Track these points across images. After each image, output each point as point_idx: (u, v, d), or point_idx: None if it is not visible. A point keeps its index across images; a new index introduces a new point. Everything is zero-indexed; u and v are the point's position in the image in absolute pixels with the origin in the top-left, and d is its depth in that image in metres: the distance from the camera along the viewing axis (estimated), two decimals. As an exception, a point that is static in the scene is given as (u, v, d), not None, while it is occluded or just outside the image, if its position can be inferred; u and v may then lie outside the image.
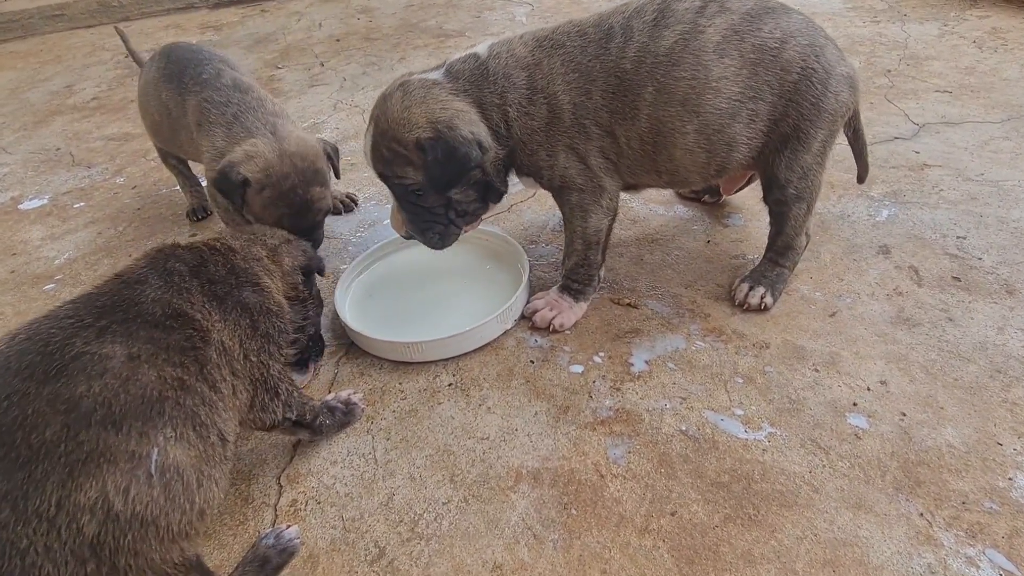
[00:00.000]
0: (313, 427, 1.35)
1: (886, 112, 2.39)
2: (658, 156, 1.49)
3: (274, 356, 1.24)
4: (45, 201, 2.62)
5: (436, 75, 1.49)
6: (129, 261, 1.22)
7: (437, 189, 1.47)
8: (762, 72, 1.39)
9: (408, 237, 1.59)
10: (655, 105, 1.42)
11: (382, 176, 1.50)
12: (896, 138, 2.23)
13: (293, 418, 1.28)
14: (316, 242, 1.84)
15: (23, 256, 2.26)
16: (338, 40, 4.05)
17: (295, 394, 1.29)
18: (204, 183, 2.37)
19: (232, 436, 1.10)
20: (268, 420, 1.24)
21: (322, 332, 1.60)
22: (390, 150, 1.44)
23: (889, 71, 2.68)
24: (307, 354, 1.52)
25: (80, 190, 2.66)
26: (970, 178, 1.97)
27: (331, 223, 2.21)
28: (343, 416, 1.42)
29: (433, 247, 1.59)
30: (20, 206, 2.60)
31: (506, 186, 1.60)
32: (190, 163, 2.30)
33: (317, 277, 1.53)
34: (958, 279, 1.62)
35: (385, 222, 2.18)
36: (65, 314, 1.02)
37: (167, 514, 0.92)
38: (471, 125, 1.43)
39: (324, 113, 3.04)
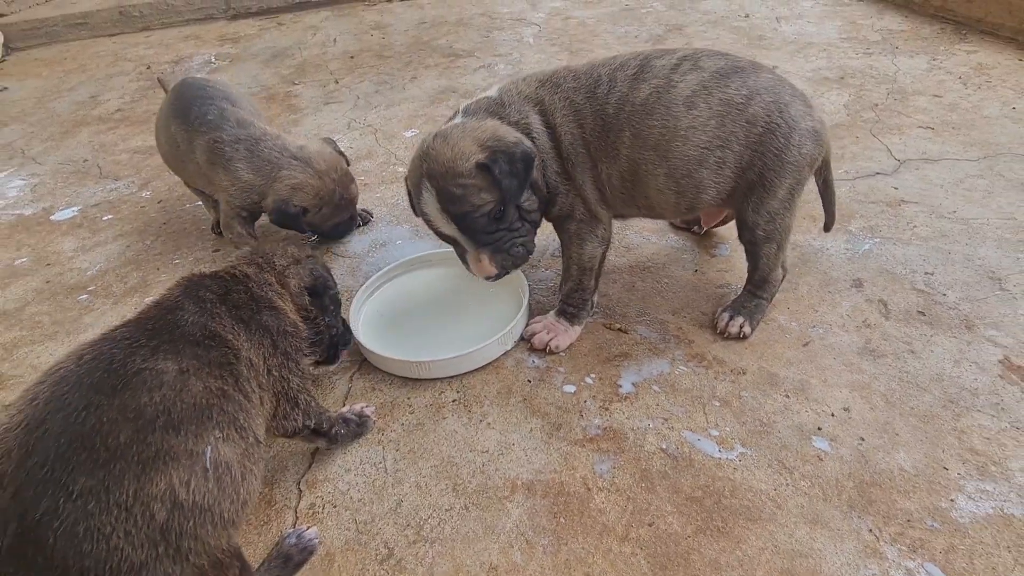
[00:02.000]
0: (329, 436, 1.50)
1: (870, 147, 2.53)
2: (635, 192, 1.65)
3: (293, 371, 1.39)
4: (75, 213, 2.78)
5: (459, 119, 1.64)
6: (162, 288, 1.37)
7: (513, 198, 1.53)
8: (728, 124, 1.54)
9: (499, 276, 1.62)
10: (632, 148, 1.58)
11: (460, 217, 1.54)
12: (877, 173, 2.37)
13: (312, 426, 1.43)
14: (355, 221, 2.30)
15: (57, 267, 2.42)
16: (352, 57, 4.20)
17: (313, 404, 1.44)
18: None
19: (263, 438, 1.26)
20: (290, 428, 1.39)
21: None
22: (458, 186, 1.51)
23: (876, 105, 2.82)
24: (336, 346, 1.63)
25: (108, 202, 2.82)
26: (943, 215, 2.11)
27: (346, 244, 2.36)
28: (356, 427, 1.57)
29: (522, 261, 1.64)
30: (52, 217, 2.76)
31: (548, 189, 1.68)
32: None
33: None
34: (923, 313, 1.76)
35: (398, 242, 2.33)
36: (121, 336, 1.17)
37: (220, 503, 1.08)
38: (512, 132, 1.58)
39: (338, 132, 3.19)
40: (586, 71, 1.65)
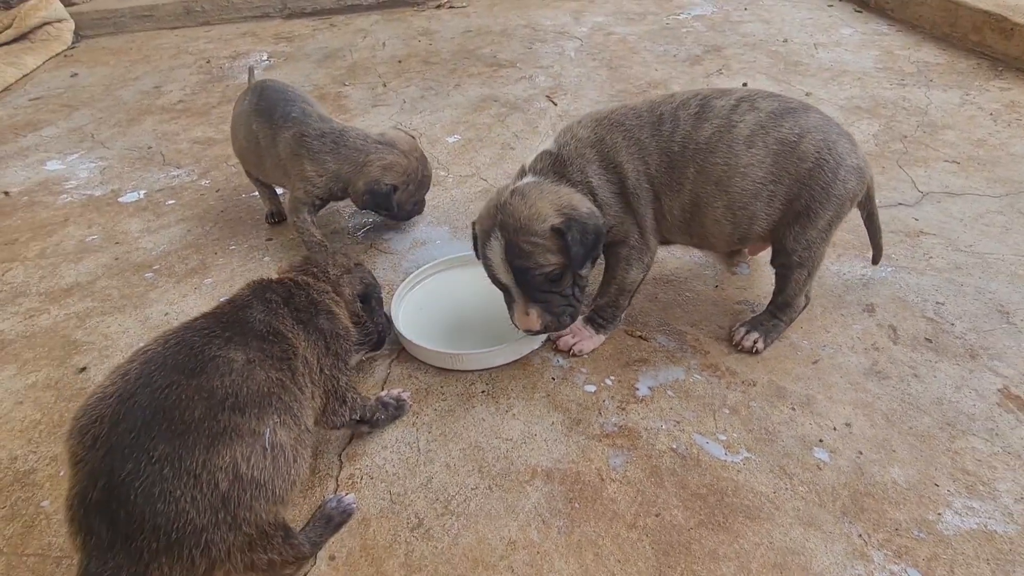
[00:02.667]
0: (372, 422, 1.66)
1: (895, 178, 2.61)
2: (692, 223, 1.78)
3: (342, 370, 1.54)
4: (140, 196, 3.00)
5: (531, 178, 1.74)
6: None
7: (577, 266, 1.65)
8: (782, 161, 1.67)
9: (540, 332, 1.71)
10: (695, 182, 1.71)
11: (521, 272, 1.63)
12: (899, 204, 2.46)
13: (357, 419, 1.60)
14: (424, 202, 2.56)
15: (124, 245, 2.64)
16: (400, 61, 4.39)
17: (359, 400, 1.60)
18: (280, 193, 2.73)
19: (312, 428, 1.41)
20: (338, 422, 1.56)
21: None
22: (529, 243, 1.61)
23: (905, 137, 2.90)
24: (383, 338, 1.82)
25: (171, 188, 3.04)
26: (960, 248, 2.20)
27: (389, 241, 2.53)
28: (395, 410, 1.73)
29: (564, 327, 1.75)
30: (120, 199, 2.99)
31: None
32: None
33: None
34: (930, 340, 1.86)
35: (437, 242, 2.49)
36: (201, 326, 1.34)
37: (274, 480, 1.22)
38: (585, 202, 1.70)
39: (390, 127, 3.37)
40: (648, 109, 1.77)
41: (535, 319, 1.68)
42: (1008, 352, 1.80)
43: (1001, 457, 1.54)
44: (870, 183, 1.79)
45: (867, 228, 1.95)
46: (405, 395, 1.78)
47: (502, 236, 1.64)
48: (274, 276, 1.63)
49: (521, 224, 1.62)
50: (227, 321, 1.37)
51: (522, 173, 1.80)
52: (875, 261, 2.02)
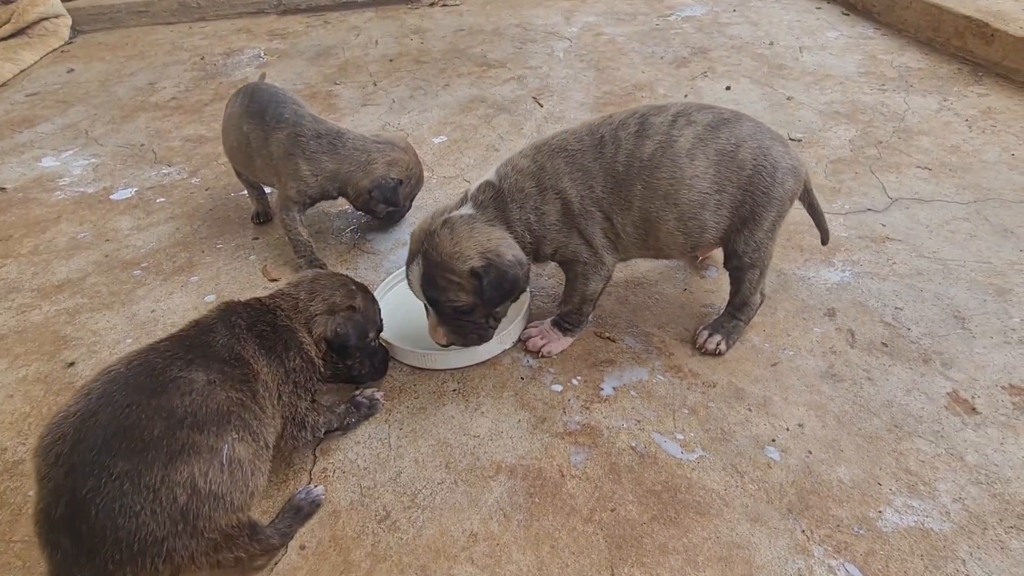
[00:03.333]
0: (343, 427, 1.74)
1: (867, 183, 2.68)
2: (647, 238, 1.84)
3: (301, 397, 1.58)
4: (132, 194, 3.07)
5: (468, 209, 1.79)
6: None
7: (489, 307, 1.76)
8: (723, 170, 1.73)
9: (447, 345, 1.83)
10: (643, 199, 1.77)
11: (432, 301, 1.75)
12: (868, 210, 2.52)
13: (321, 436, 1.66)
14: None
15: (115, 243, 2.71)
16: (391, 60, 4.44)
17: (321, 422, 1.65)
18: (268, 192, 2.80)
19: (271, 445, 1.48)
20: (297, 446, 1.63)
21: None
22: (444, 279, 1.70)
23: (880, 142, 2.96)
24: (359, 378, 1.81)
25: (161, 186, 3.11)
26: (923, 254, 2.26)
27: (372, 242, 2.60)
28: (367, 409, 1.80)
29: (472, 345, 1.86)
30: (111, 196, 3.05)
31: (527, 285, 1.87)
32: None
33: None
34: (886, 345, 1.93)
35: (416, 243, 2.56)
36: (164, 348, 1.40)
37: (231, 492, 1.28)
38: (512, 249, 1.76)
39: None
40: (588, 132, 1.82)
41: (441, 336, 1.80)
42: (960, 357, 1.87)
43: (944, 458, 1.61)
44: (807, 178, 1.87)
45: (811, 216, 2.04)
46: (379, 395, 1.85)
47: (423, 264, 1.72)
48: (255, 296, 1.66)
49: (442, 259, 1.70)
50: (190, 344, 1.43)
51: (463, 200, 1.85)
52: (824, 242, 2.12)
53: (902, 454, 1.63)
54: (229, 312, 1.57)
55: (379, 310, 1.82)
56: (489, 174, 1.87)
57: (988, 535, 1.44)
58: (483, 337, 1.84)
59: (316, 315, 1.67)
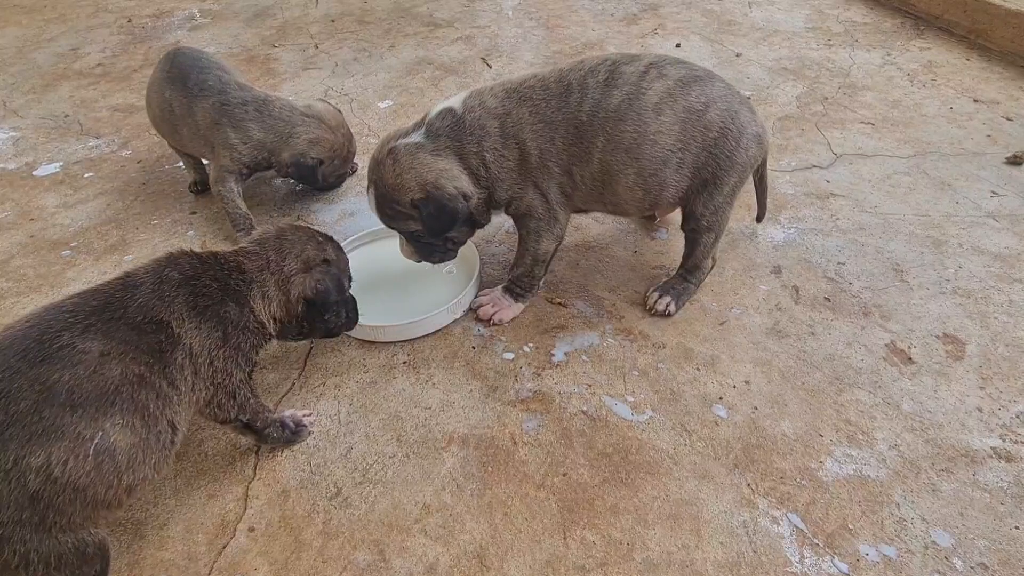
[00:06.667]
0: (261, 434, 1.58)
1: (812, 140, 2.70)
2: (605, 191, 1.81)
3: (239, 365, 1.45)
4: (57, 169, 2.88)
5: (418, 137, 1.76)
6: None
7: (432, 236, 1.81)
8: (689, 129, 1.71)
9: (418, 261, 1.93)
10: (605, 151, 1.73)
11: (389, 226, 1.86)
12: (814, 166, 2.55)
13: (245, 420, 1.51)
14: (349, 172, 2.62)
15: (40, 222, 2.55)
16: (333, 21, 4.25)
17: (252, 401, 1.51)
18: (206, 164, 2.67)
19: (183, 426, 1.36)
20: (222, 416, 1.48)
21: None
22: (392, 209, 1.78)
23: (826, 99, 2.98)
24: (340, 328, 1.71)
25: (89, 160, 2.93)
26: (865, 209, 2.31)
27: (317, 213, 2.52)
28: (291, 434, 1.63)
29: (439, 262, 1.96)
30: (35, 172, 2.87)
31: (489, 219, 1.92)
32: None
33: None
34: (828, 300, 1.97)
35: (365, 212, 2.49)
36: (66, 307, 1.26)
37: (95, 485, 1.17)
38: (454, 181, 1.74)
39: (315, 99, 3.29)
40: (556, 80, 1.77)
41: (412, 253, 1.91)
42: (898, 309, 1.93)
43: (881, 408, 1.67)
44: (767, 149, 1.85)
45: (756, 190, 2.03)
46: (308, 420, 1.68)
47: (376, 192, 1.80)
48: (196, 248, 1.51)
49: (388, 189, 1.76)
50: (97, 304, 1.28)
51: (418, 125, 1.82)
52: (759, 220, 2.13)
53: (843, 406, 1.68)
54: (166, 264, 1.41)
55: (346, 256, 1.72)
56: (454, 100, 1.82)
57: (921, 479, 1.51)
58: (445, 257, 1.93)
59: (292, 275, 1.53)
